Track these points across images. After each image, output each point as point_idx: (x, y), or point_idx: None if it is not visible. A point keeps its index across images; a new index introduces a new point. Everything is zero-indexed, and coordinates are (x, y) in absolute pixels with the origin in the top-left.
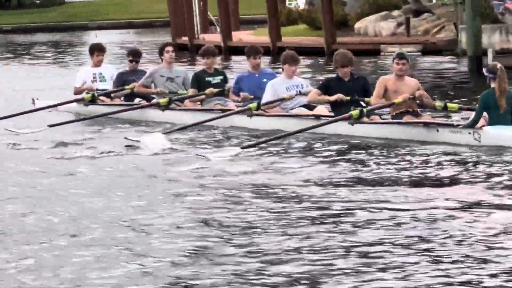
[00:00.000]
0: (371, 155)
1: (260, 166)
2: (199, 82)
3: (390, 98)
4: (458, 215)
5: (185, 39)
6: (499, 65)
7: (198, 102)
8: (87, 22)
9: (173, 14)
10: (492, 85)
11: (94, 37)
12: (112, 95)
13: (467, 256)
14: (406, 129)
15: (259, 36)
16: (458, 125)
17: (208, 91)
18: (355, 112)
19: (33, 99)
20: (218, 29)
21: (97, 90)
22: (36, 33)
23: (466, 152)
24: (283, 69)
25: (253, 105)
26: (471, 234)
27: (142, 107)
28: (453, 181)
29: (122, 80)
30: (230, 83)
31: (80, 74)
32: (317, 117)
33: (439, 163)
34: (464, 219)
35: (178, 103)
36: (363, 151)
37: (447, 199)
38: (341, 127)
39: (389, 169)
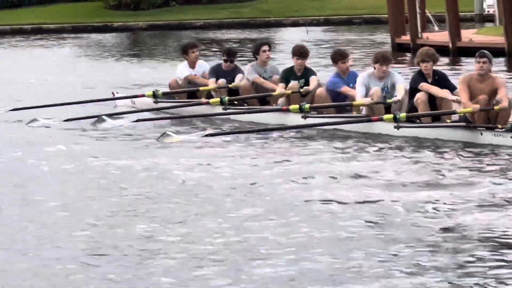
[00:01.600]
0: (414, 154)
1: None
2: (286, 79)
3: (472, 97)
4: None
5: (405, 38)
6: None
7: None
8: (281, 19)
9: (393, 11)
10: None
11: (305, 34)
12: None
13: None
14: (451, 131)
15: (489, 36)
16: (501, 129)
17: (289, 89)
18: (387, 116)
19: (112, 92)
20: (436, 27)
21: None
22: (229, 29)
23: (506, 154)
24: (374, 68)
25: (306, 106)
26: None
27: (200, 104)
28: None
29: (215, 73)
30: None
31: (180, 69)
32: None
33: (480, 165)
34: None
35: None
36: (408, 151)
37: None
38: (387, 127)
39: (432, 169)
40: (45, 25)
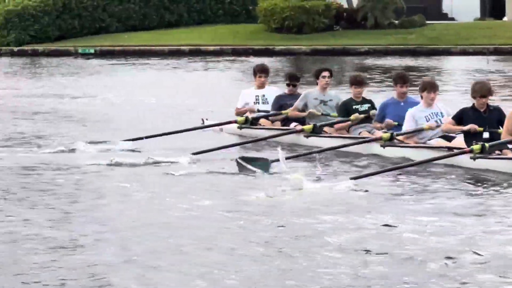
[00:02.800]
0: (490, 189)
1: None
2: (347, 109)
3: None
4: None
5: None
6: None
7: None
8: (450, 46)
9: None
10: None
11: (487, 63)
12: (270, 118)
13: None
14: None
15: None
16: None
17: (353, 116)
18: (476, 147)
19: (202, 119)
20: None
21: (258, 111)
22: (394, 56)
23: None
24: (421, 96)
25: (386, 135)
26: None
27: (290, 133)
28: None
29: (279, 103)
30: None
31: (242, 95)
32: (450, 149)
33: None
34: None
35: (325, 128)
36: (483, 185)
37: None
38: (463, 159)
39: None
40: (204, 47)
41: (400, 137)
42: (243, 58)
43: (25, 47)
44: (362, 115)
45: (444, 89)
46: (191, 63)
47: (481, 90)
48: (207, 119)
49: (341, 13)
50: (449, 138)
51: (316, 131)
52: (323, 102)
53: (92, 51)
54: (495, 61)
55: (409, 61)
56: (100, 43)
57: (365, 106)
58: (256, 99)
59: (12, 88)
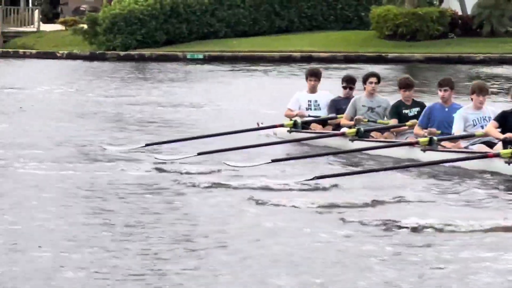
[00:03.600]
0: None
1: None
2: (397, 113)
3: None
4: None
5: None
6: None
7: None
8: None
9: None
10: None
11: None
12: (329, 121)
13: None
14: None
15: None
16: None
17: (409, 123)
18: (504, 152)
19: (257, 123)
20: None
21: (309, 116)
22: (508, 64)
23: None
24: (471, 99)
25: (424, 139)
26: None
27: (332, 135)
28: None
29: (335, 107)
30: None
31: (295, 98)
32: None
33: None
34: None
35: (375, 133)
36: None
37: None
38: (495, 164)
39: None
40: (315, 53)
41: (445, 142)
42: (355, 65)
43: (132, 52)
44: (415, 120)
45: None
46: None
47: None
48: (262, 123)
49: (456, 20)
50: (490, 144)
51: (360, 135)
52: (371, 109)
53: (200, 56)
54: None
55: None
56: (208, 49)
57: (415, 110)
58: (309, 104)
59: (121, 95)
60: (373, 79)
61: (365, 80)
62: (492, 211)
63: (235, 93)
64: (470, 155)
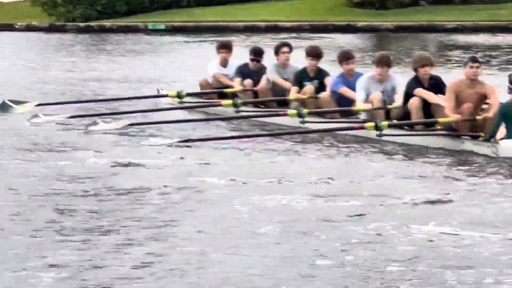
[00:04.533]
0: (391, 160)
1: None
2: (298, 82)
3: (460, 104)
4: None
5: None
6: None
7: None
8: None
9: None
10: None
11: None
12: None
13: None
14: (432, 138)
15: None
16: (479, 137)
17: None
18: (368, 125)
19: (157, 89)
20: None
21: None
22: (484, 33)
23: (481, 165)
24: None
25: (305, 111)
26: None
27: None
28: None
29: (241, 73)
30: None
31: (210, 68)
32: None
33: (453, 174)
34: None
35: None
36: (388, 155)
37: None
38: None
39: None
40: (281, 23)
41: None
42: (323, 34)
43: (92, 23)
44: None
45: None
46: (266, 40)
47: (422, 60)
48: (162, 89)
49: None
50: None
51: (237, 106)
52: (285, 80)
53: (162, 27)
54: None
55: (498, 39)
56: (171, 19)
57: (315, 82)
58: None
59: (86, 69)
60: (285, 49)
61: (277, 50)
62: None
63: (190, 65)
64: (344, 125)
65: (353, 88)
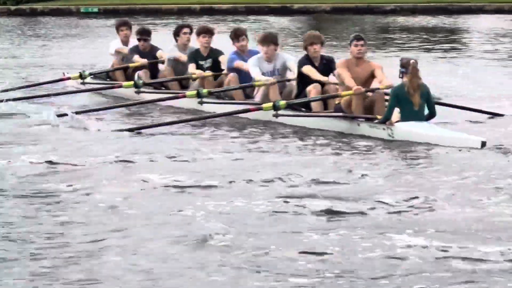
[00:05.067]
0: (290, 143)
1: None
2: (194, 60)
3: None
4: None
5: None
6: (412, 61)
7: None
8: (483, 4)
9: None
10: (404, 79)
11: None
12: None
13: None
14: (329, 120)
15: None
16: (375, 119)
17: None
18: (266, 106)
19: (63, 73)
20: None
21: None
22: (423, 14)
23: (376, 147)
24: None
25: (204, 91)
26: None
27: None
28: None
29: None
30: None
31: (111, 47)
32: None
33: (346, 157)
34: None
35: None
36: (286, 139)
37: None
38: (268, 115)
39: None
40: (215, 5)
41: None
42: (259, 16)
43: (23, 6)
44: (207, 73)
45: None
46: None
47: (311, 38)
48: (68, 73)
49: None
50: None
51: (138, 87)
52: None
53: (95, 10)
54: None
55: (438, 20)
56: (103, 2)
57: (209, 61)
58: (123, 58)
59: (13, 55)
60: (187, 30)
61: (177, 31)
62: None
63: None
64: (240, 108)
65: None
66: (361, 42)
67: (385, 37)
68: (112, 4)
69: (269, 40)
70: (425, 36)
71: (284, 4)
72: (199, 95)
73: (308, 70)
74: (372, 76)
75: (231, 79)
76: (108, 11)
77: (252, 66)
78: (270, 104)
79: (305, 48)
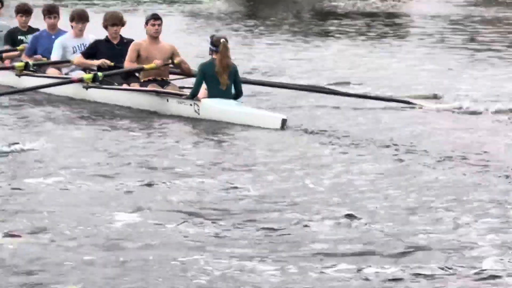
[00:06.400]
0: (98, 121)
1: None
2: (12, 39)
3: (143, 63)
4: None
5: None
6: (222, 40)
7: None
8: None
9: None
10: (214, 57)
11: None
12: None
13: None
14: (139, 96)
15: None
16: (183, 96)
17: (21, 47)
18: (87, 76)
19: None
20: None
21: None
22: None
23: (182, 124)
24: (72, 26)
25: (20, 64)
26: None
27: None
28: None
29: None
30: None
31: (57, 44)
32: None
33: (152, 134)
34: None
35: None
36: (96, 117)
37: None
38: (75, 90)
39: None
40: None
41: (37, 68)
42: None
43: None
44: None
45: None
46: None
47: (112, 18)
48: None
49: None
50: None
51: None
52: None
53: None
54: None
55: (366, 5)
56: None
57: (30, 37)
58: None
59: None
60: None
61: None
62: None
63: None
64: (62, 80)
65: (53, 42)
66: (158, 22)
67: (322, 23)
68: None
69: (86, 17)
70: (363, 21)
71: None
72: (26, 67)
73: (78, 60)
74: (170, 56)
75: (78, 60)
76: None
77: (57, 47)
78: (91, 75)
79: (105, 28)
